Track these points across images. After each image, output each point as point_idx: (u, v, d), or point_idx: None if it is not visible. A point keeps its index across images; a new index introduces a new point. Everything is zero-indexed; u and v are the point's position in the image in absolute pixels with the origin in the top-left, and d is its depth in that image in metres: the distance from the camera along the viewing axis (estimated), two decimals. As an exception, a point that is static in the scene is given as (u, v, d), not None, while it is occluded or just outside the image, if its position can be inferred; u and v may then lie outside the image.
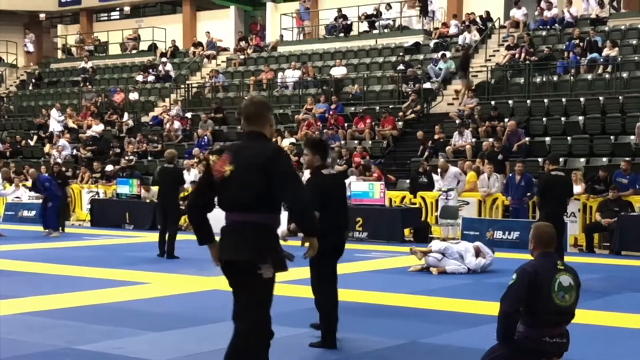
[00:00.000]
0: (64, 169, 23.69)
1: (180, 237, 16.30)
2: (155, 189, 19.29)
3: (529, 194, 18.13)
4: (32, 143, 31.85)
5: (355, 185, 19.52)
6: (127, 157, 26.98)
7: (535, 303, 5.99)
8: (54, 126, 31.62)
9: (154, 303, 10.49)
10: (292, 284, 10.22)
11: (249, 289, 5.47)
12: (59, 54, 41.86)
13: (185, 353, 7.75)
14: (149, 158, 27.52)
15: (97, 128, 30.41)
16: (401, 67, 28.07)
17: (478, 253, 13.69)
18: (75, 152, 29.36)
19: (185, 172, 23.79)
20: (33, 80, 38.45)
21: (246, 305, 5.51)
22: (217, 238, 5.66)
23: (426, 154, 22.69)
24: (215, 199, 5.69)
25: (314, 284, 8.04)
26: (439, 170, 19.87)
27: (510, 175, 18.85)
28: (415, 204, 20.21)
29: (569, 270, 6.26)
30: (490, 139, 21.82)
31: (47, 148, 30.40)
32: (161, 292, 11.38)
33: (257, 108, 5.65)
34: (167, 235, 15.62)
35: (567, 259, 13.12)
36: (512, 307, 5.96)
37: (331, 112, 26.34)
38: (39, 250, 16.80)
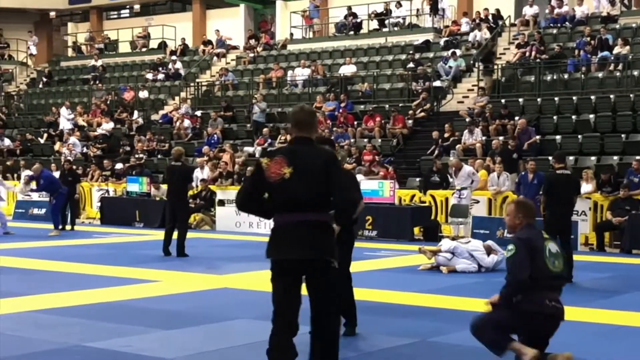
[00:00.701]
0: (74, 166, 23.68)
1: (190, 235, 16.30)
2: (165, 187, 19.29)
3: (541, 192, 18.03)
4: (42, 141, 31.91)
5: (365, 184, 19.48)
6: (136, 155, 27.01)
7: (534, 268, 6.35)
8: (64, 124, 31.69)
9: (163, 301, 10.49)
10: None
11: (325, 280, 5.86)
12: (69, 52, 41.94)
13: (194, 351, 7.74)
14: (159, 156, 27.54)
15: (107, 126, 30.45)
16: (411, 65, 28.03)
17: (490, 251, 13.64)
18: (85, 150, 29.40)
19: (198, 169, 23.88)
20: (43, 79, 38.53)
21: (327, 297, 5.90)
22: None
23: (436, 152, 22.64)
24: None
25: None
26: (452, 169, 19.79)
27: (523, 173, 18.71)
28: (425, 202, 20.17)
29: (553, 239, 6.73)
30: (501, 137, 21.77)
31: (57, 146, 30.46)
32: (171, 290, 11.39)
33: (307, 116, 6.08)
34: (176, 234, 15.56)
35: (577, 257, 13.13)
36: (524, 274, 6.32)
37: (341, 110, 26.31)
38: (49, 248, 16.82)
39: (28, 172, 26.91)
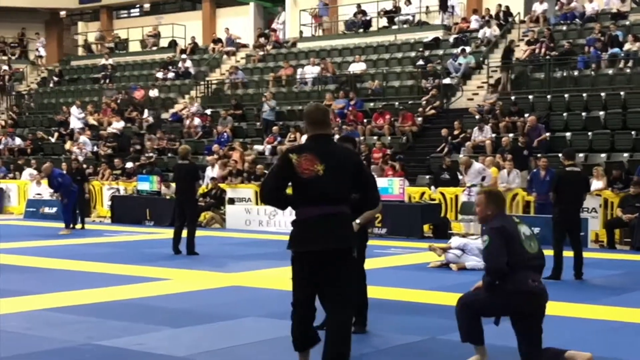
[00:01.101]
0: (84, 165, 23.72)
1: (199, 233, 16.33)
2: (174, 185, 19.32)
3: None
4: (52, 140, 32.02)
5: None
6: (146, 154, 27.06)
7: (511, 254, 6.58)
8: (75, 123, 31.78)
9: (173, 299, 10.52)
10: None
11: (347, 269, 6.17)
12: (80, 51, 42.06)
13: (205, 349, 7.76)
14: (169, 155, 27.59)
15: (118, 125, 30.52)
16: (421, 62, 28.00)
17: None
18: (95, 149, 29.48)
19: (208, 168, 23.93)
20: (54, 78, 38.65)
21: (345, 283, 6.15)
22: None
23: (446, 149, 22.62)
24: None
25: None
26: (462, 166, 19.77)
27: (535, 170, 18.67)
28: (434, 199, 20.16)
29: (524, 223, 6.95)
30: (511, 135, 21.74)
31: (67, 145, 30.56)
32: (181, 289, 11.42)
33: (322, 114, 6.40)
34: (186, 232, 15.60)
35: (587, 254, 13.11)
36: (501, 261, 6.54)
37: (350, 108, 26.32)
38: (60, 247, 16.89)
39: (32, 172, 27.06)
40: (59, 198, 20.68)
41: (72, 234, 19.53)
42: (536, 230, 17.49)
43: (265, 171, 23.32)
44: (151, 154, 27.22)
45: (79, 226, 20.98)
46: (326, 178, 6.07)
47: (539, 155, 20.16)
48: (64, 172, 21.61)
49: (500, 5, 29.78)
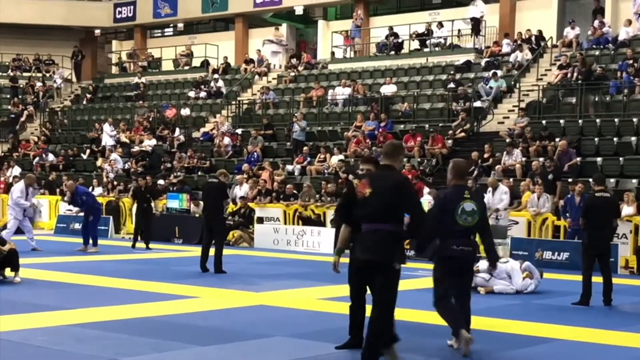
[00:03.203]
0: (150, 183, 22.64)
1: (227, 251, 16.38)
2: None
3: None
4: (84, 157, 32.30)
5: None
6: (175, 174, 27.15)
7: (443, 221, 8.32)
8: (107, 140, 32.04)
9: (201, 317, 10.55)
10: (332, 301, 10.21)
11: (384, 279, 7.49)
12: (113, 70, 42.45)
13: (231, 367, 7.78)
14: (199, 173, 27.72)
15: (149, 143, 30.74)
16: (452, 85, 27.99)
17: (527, 274, 13.55)
18: (127, 166, 29.68)
19: (237, 187, 23.97)
20: (87, 95, 39.03)
21: (381, 294, 7.56)
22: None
23: (475, 172, 22.55)
24: None
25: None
26: (489, 189, 19.72)
27: (569, 195, 18.50)
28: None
29: (474, 198, 8.49)
30: (541, 159, 21.63)
31: (99, 162, 30.81)
32: (209, 307, 11.45)
33: (394, 149, 7.94)
34: (213, 250, 15.64)
35: (617, 280, 13.00)
36: (432, 222, 8.21)
37: (380, 130, 26.33)
38: (89, 263, 17.00)
39: (17, 171, 27.31)
40: (78, 213, 20.61)
41: (86, 252, 19.35)
42: (565, 255, 17.50)
43: (295, 191, 23.40)
44: (178, 173, 27.31)
45: (142, 245, 20.55)
46: (371, 200, 7.45)
47: (569, 180, 20.05)
48: (95, 188, 21.65)
49: (529, 30, 29.69)
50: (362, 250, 7.56)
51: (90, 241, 19.75)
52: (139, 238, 20.97)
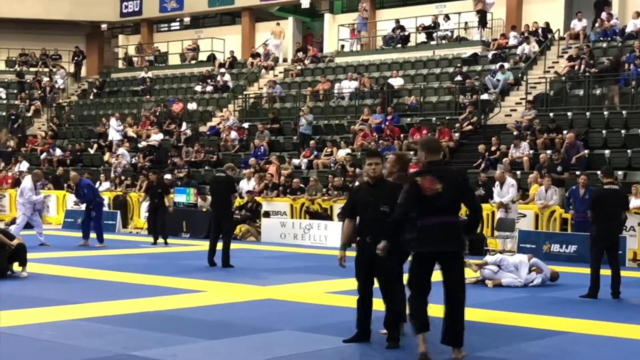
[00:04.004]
0: (163, 176, 22.61)
1: (234, 245, 16.38)
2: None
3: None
4: (92, 151, 32.33)
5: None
6: (178, 170, 27.06)
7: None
8: (113, 135, 32.07)
9: (208, 311, 10.55)
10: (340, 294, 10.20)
11: (459, 267, 8.01)
12: (120, 64, 42.48)
13: (239, 361, 7.79)
14: (206, 167, 27.73)
15: (156, 137, 30.75)
16: (459, 78, 27.93)
17: (534, 269, 13.52)
18: (134, 160, 29.70)
19: (244, 181, 23.95)
20: (94, 90, 39.05)
21: (458, 277, 8.00)
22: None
23: (483, 165, 22.51)
24: None
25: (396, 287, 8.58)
26: (496, 182, 19.69)
27: (574, 188, 18.48)
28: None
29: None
30: (549, 151, 21.58)
31: (106, 156, 30.85)
32: (216, 301, 11.45)
33: (437, 144, 8.59)
34: (221, 244, 15.64)
35: (625, 273, 12.96)
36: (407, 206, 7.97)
37: (387, 123, 26.29)
38: (97, 258, 17.02)
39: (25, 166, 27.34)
40: (79, 204, 20.50)
41: (87, 247, 19.17)
42: (573, 247, 17.46)
43: (302, 185, 23.39)
44: (184, 169, 27.26)
45: (161, 240, 20.28)
46: (445, 194, 7.77)
47: (577, 172, 20.00)
48: (102, 182, 21.57)
49: (536, 23, 29.58)
50: (432, 243, 7.81)
51: (93, 236, 19.53)
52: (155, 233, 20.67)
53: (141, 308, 10.61)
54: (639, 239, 17.89)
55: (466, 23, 31.89)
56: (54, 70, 40.89)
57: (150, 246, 19.81)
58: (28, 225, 19.61)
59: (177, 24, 43.78)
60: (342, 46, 34.69)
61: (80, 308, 10.57)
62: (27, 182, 19.79)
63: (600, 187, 13.21)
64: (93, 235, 19.57)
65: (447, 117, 26.16)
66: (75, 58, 41.76)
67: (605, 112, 23.53)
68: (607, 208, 12.39)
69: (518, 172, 21.55)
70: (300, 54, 35.12)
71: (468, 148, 24.65)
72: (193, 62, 38.66)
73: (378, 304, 8.55)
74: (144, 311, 10.40)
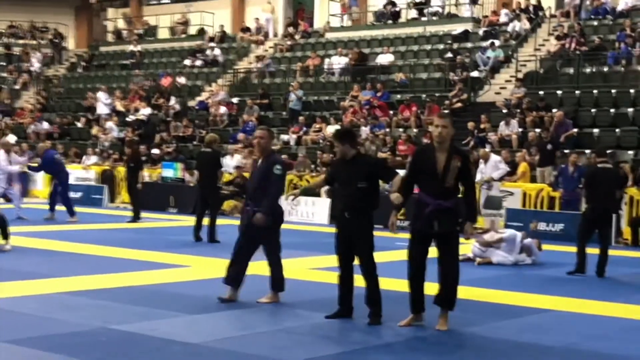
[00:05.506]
0: (137, 147, 21.76)
1: (221, 221, 16.32)
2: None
3: (580, 185, 17.72)
4: (79, 125, 32.14)
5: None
6: (166, 144, 26.90)
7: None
8: (102, 109, 31.88)
9: (192, 286, 10.52)
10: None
11: (454, 245, 8.23)
12: (109, 37, 42.18)
13: (220, 336, 7.75)
14: (194, 142, 27.60)
15: (144, 111, 30.58)
16: (449, 55, 27.82)
17: (526, 249, 13.51)
18: (122, 135, 29.54)
19: (228, 156, 23.84)
20: (82, 63, 38.79)
21: (454, 253, 8.22)
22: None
23: (472, 143, 22.45)
24: None
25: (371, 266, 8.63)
26: (481, 159, 19.64)
27: (563, 166, 18.45)
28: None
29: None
30: (538, 130, 21.52)
31: (94, 130, 30.67)
32: (200, 276, 11.43)
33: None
34: (208, 220, 15.58)
35: (612, 252, 12.94)
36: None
37: (374, 100, 26.18)
38: (81, 232, 16.93)
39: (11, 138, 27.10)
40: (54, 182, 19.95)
41: (53, 220, 18.86)
42: (560, 226, 17.45)
43: (291, 161, 23.31)
44: (171, 143, 27.09)
45: (130, 214, 19.73)
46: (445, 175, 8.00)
47: (566, 150, 19.96)
48: (90, 156, 21.28)
49: (527, 0, 29.43)
50: (434, 224, 8.12)
51: (60, 209, 19.09)
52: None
53: (124, 282, 10.55)
54: (625, 219, 17.88)
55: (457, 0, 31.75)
56: (42, 42, 40.58)
57: (122, 220, 19.63)
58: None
59: (167, -3, 43.47)
60: (328, 22, 34.45)
61: (62, 282, 10.51)
62: None
63: (593, 166, 13.22)
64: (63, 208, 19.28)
65: (436, 94, 26.06)
66: (54, 40, 41.26)
67: (595, 91, 23.48)
68: (601, 186, 12.41)
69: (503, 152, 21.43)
70: (290, 29, 34.91)
71: (457, 125, 24.15)
72: (182, 36, 38.42)
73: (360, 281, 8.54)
74: (127, 285, 10.34)
